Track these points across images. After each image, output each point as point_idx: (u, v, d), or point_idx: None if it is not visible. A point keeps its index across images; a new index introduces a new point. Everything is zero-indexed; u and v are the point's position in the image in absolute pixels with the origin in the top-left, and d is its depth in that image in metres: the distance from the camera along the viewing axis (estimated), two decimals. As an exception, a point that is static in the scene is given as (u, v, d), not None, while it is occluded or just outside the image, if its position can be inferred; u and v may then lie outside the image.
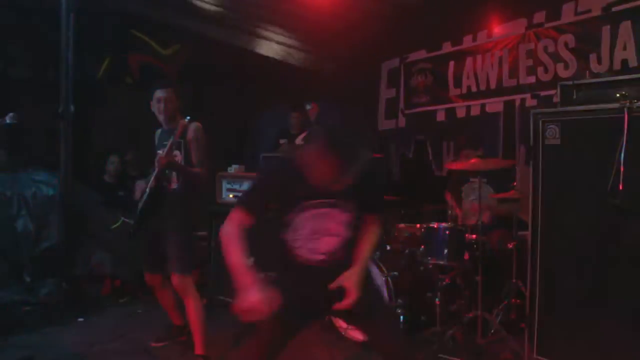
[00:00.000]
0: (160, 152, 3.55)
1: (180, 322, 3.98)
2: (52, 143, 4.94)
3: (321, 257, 2.36)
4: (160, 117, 3.67)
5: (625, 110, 2.87)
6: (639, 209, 2.89)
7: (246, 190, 2.53)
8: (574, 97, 3.31)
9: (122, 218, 4.68)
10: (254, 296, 2.08)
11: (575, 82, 3.35)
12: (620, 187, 2.89)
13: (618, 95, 2.96)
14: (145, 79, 6.39)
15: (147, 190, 3.55)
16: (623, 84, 3.10)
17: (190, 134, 3.60)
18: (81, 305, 4.71)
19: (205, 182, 3.70)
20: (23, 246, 4.74)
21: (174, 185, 3.61)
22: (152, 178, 3.53)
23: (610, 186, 2.92)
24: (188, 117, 3.58)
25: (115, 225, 4.53)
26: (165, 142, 3.54)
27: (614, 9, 4.21)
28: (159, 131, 3.78)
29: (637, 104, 2.88)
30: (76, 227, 4.92)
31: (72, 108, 4.65)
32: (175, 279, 3.55)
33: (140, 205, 3.62)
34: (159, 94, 3.62)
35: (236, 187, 4.75)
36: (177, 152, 3.58)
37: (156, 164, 3.50)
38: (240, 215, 2.29)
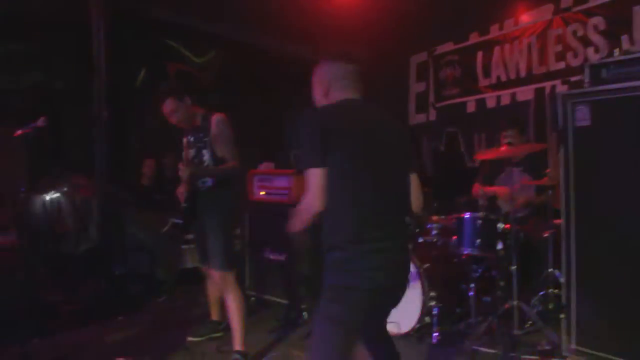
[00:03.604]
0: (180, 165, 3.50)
1: (217, 317, 4.06)
2: (91, 148, 5.15)
3: None
4: (180, 125, 3.66)
5: (659, 86, 2.77)
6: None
7: None
8: (604, 76, 3.21)
9: (171, 220, 4.81)
10: None
11: (604, 60, 3.23)
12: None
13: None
14: (181, 84, 6.53)
15: (186, 193, 3.60)
16: (654, 60, 2.98)
17: (214, 128, 3.56)
18: (121, 304, 4.84)
19: (238, 174, 3.67)
20: (64, 247, 4.91)
21: (207, 185, 3.62)
22: (183, 183, 3.57)
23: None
24: (204, 111, 3.62)
25: (165, 228, 4.68)
26: (195, 142, 3.61)
27: (644, -13, 4.08)
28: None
29: (671, 79, 2.76)
30: (114, 228, 5.08)
31: (104, 114, 4.80)
32: (216, 276, 3.60)
33: (185, 207, 3.66)
34: (163, 110, 3.57)
35: (267, 184, 4.75)
36: (204, 152, 3.58)
37: (180, 175, 3.50)
38: None
